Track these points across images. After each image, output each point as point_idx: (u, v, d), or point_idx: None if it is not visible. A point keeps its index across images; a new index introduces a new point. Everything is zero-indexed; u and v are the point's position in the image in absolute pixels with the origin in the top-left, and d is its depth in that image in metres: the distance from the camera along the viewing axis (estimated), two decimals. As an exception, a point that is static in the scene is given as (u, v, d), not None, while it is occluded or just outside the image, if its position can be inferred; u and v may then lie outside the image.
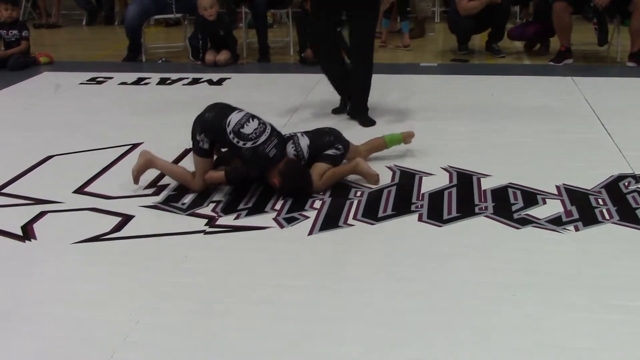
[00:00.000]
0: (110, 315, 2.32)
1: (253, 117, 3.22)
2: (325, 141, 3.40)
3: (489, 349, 2.10)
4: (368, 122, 4.38)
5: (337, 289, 2.45)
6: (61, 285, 2.53)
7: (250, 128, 3.15)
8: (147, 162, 3.35)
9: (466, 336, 2.16)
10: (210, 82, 5.68)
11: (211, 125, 3.19)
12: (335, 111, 4.60)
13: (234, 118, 3.17)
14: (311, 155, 3.34)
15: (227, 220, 3.02)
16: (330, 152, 3.36)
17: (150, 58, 6.79)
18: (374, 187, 3.31)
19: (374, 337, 2.16)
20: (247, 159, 3.16)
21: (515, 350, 2.09)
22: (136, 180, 3.35)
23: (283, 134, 3.35)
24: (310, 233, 2.89)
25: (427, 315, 2.28)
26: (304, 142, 3.36)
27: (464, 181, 3.37)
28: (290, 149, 3.30)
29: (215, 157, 3.39)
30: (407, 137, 3.71)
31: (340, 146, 3.40)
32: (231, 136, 3.13)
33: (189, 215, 3.08)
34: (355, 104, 4.48)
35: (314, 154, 3.34)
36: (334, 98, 4.70)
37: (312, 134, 3.44)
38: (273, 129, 3.24)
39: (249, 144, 3.13)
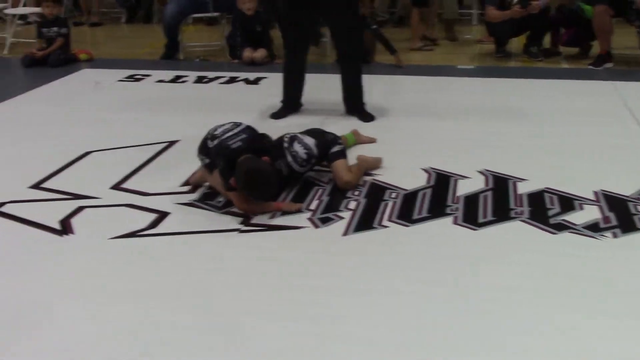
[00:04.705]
0: (141, 312, 2.34)
1: (234, 123, 3.29)
2: (328, 139, 3.44)
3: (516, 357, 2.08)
4: (368, 117, 4.49)
5: (367, 290, 2.45)
6: (93, 280, 2.56)
7: (221, 129, 3.25)
8: (201, 178, 3.37)
9: (496, 343, 2.14)
10: (247, 81, 5.71)
11: (200, 143, 3.30)
12: (275, 116, 4.58)
13: (213, 127, 3.29)
14: (320, 154, 3.36)
15: (262, 219, 3.03)
16: (337, 148, 3.40)
17: (188, 56, 6.84)
18: (409, 189, 3.30)
19: (402, 340, 2.16)
20: (214, 155, 3.18)
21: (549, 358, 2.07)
22: (187, 184, 3.39)
23: (287, 135, 3.35)
24: (345, 234, 2.89)
25: (453, 319, 2.26)
26: (310, 141, 3.34)
27: (500, 185, 3.34)
28: (298, 148, 3.27)
29: None
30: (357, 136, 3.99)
31: (340, 140, 3.48)
32: (208, 143, 3.23)
33: (224, 213, 3.10)
34: (353, 102, 4.57)
35: (323, 152, 3.37)
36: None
37: (311, 134, 3.44)
38: (248, 127, 3.28)
39: (215, 141, 3.19)
